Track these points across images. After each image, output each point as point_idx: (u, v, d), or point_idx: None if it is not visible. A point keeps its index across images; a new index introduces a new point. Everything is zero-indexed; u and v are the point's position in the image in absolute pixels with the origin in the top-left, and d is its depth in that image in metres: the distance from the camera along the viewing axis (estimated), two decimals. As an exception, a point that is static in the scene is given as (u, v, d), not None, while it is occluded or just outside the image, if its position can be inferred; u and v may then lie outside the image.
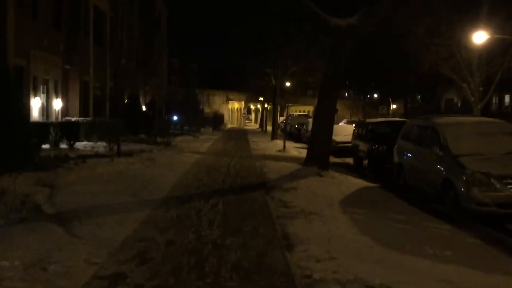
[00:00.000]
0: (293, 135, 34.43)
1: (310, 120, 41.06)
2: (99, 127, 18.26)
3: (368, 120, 17.14)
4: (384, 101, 67.71)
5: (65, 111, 19.44)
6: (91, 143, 17.55)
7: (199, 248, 5.36)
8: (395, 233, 6.66)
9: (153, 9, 35.99)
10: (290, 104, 28.87)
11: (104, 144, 16.47)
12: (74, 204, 7.46)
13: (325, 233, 6.25)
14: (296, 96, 50.56)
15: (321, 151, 12.38)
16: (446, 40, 24.57)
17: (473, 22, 22.93)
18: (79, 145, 17.14)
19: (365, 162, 16.89)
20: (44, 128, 15.17)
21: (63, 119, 18.81)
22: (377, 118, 17.61)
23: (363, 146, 16.44)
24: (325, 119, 12.38)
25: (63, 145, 15.82)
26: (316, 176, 11.76)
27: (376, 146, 14.99)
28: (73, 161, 12.24)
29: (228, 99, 66.62)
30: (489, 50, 23.95)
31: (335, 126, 25.74)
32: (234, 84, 57.64)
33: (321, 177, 11.73)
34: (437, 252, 5.68)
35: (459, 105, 53.48)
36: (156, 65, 36.19)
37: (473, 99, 26.25)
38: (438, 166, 9.58)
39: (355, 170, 15.70)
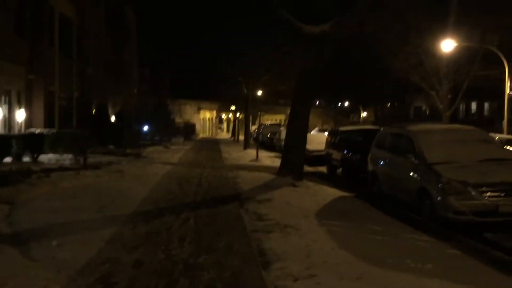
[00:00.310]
0: (265, 144, 34.23)
1: (282, 129, 41.11)
2: (65, 138, 17.58)
3: (341, 128, 17.04)
4: (354, 109, 68.47)
5: (29, 122, 18.66)
6: (56, 156, 16.87)
7: (169, 269, 4.98)
8: (374, 245, 6.43)
9: (121, 17, 35.32)
10: (261, 113, 28.58)
11: (70, 156, 15.87)
12: (33, 223, 6.96)
13: (303, 248, 5.97)
14: (268, 105, 50.54)
15: (295, 161, 12.14)
16: (415, 48, 24.94)
17: (441, 31, 23.34)
18: (44, 158, 16.45)
19: (339, 170, 16.79)
20: (5, 140, 14.47)
21: (27, 130, 18.05)
22: (349, 126, 17.55)
23: (336, 155, 16.32)
24: (298, 128, 12.16)
25: (26, 158, 15.14)
26: (290, 186, 11.51)
27: (350, 154, 14.88)
28: (36, 175, 11.65)
29: (199, 109, 66.08)
30: (456, 58, 24.41)
31: (308, 135, 25.77)
32: (205, 94, 57.28)
33: (296, 187, 11.48)
34: (419, 266, 5.46)
35: (427, 112, 54.62)
36: (126, 74, 35.45)
37: (441, 106, 26.69)
38: (413, 175, 9.47)
39: (329, 179, 15.53)
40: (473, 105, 47.69)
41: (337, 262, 5.38)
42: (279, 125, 54.06)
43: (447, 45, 22.74)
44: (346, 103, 68.15)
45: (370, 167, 12.33)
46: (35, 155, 15.24)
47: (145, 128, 38.37)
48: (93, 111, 26.81)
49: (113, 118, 31.65)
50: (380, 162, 11.61)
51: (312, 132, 32.70)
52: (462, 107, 45.23)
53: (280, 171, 12.29)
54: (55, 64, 20.22)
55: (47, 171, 12.71)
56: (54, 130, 18.40)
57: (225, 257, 5.42)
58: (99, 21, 28.87)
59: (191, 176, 13.80)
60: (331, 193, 11.51)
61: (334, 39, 12.04)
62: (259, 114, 28.01)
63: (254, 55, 25.35)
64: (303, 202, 9.69)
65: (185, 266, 5.08)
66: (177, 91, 63.03)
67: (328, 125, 57.81)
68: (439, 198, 8.41)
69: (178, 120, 53.87)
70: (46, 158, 16.35)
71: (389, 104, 61.61)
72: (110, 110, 32.56)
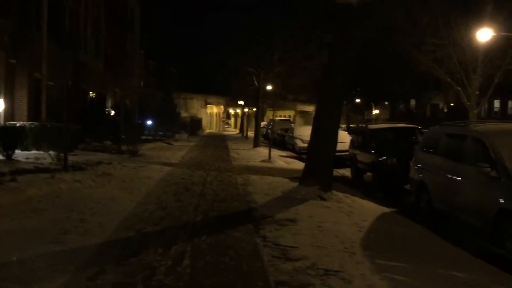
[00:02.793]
0: (276, 142, 31.76)
1: (294, 125, 38.61)
2: (50, 133, 15.22)
3: (370, 126, 14.52)
4: (367, 106, 65.59)
5: (10, 114, 16.33)
6: (39, 153, 14.56)
7: None
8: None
9: (124, 6, 32.98)
10: (274, 108, 25.99)
11: (54, 154, 13.56)
12: None
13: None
14: (280, 100, 47.75)
15: (323, 167, 9.65)
16: (441, 39, 22.55)
17: (473, 20, 21.00)
18: (23, 155, 14.17)
19: (366, 175, 14.40)
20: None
21: (7, 123, 15.74)
22: (380, 124, 14.97)
23: (364, 157, 13.84)
24: (327, 127, 9.64)
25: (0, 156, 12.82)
26: (317, 200, 9.07)
27: (384, 158, 12.38)
28: (-1, 179, 9.28)
29: (206, 103, 63.72)
30: (488, 51, 21.99)
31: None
32: (213, 88, 54.91)
33: (324, 201, 9.04)
34: None
35: (444, 110, 52.04)
36: (129, 65, 33.09)
37: (469, 103, 24.22)
38: (489, 191, 7.00)
39: (356, 186, 13.12)
40: (496, 103, 45.01)
41: None
42: (289, 121, 51.51)
43: (484, 35, 20.13)
44: (358, 100, 65.24)
45: (415, 175, 9.90)
46: (9, 152, 12.89)
47: (149, 122, 36.09)
48: (90, 104, 24.50)
49: (113, 112, 29.34)
50: (431, 170, 9.15)
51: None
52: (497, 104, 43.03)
53: (304, 179, 9.81)
54: (42, 50, 17.85)
55: (16, 173, 10.32)
56: (37, 123, 16.05)
57: None
58: (98, 8, 26.54)
59: (193, 182, 11.37)
60: (369, 208, 9.08)
61: (377, 13, 9.55)
62: (273, 109, 25.27)
63: (267, 41, 22.85)
64: (339, 224, 7.26)
65: None
66: (183, 84, 60.70)
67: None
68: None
69: (184, 114, 51.57)
70: (25, 155, 14.05)
71: (402, 102, 58.89)
72: (109, 103, 30.26)
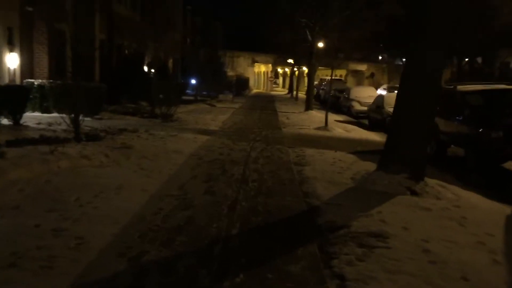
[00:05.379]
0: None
1: (349, 86, 35.22)
2: (77, 94, 13.12)
3: (460, 88, 11.33)
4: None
5: (28, 71, 14.32)
6: (60, 116, 12.49)
7: None
8: None
9: None
10: (329, 67, 22.70)
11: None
12: None
13: None
14: (326, 58, 43.76)
15: (414, 147, 6.81)
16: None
17: None
18: (39, 118, 12.28)
19: (450, 149, 11.47)
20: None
21: (24, 81, 13.77)
22: (471, 85, 11.57)
23: (451, 127, 10.79)
24: (422, 94, 6.73)
25: (5, 120, 10.78)
26: (407, 194, 6.34)
27: (485, 130, 9.33)
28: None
29: (254, 62, 60.79)
30: None
31: (386, 95, 20.01)
32: (261, 45, 51.69)
33: (417, 197, 6.30)
34: None
35: (517, 69, 46.65)
36: (170, 17, 30.52)
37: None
38: None
39: (438, 163, 10.21)
40: None
41: None
42: (341, 80, 47.78)
43: None
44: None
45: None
46: (17, 116, 10.82)
47: (193, 81, 33.94)
48: (124, 60, 22.30)
49: (152, 70, 27.15)
50: None
51: (380, 92, 26.71)
52: None
53: (385, 162, 7.00)
54: (65, -5, 15.52)
55: (14, 143, 8.22)
56: (58, 82, 13.95)
57: None
58: None
59: (232, 159, 8.84)
60: (482, 208, 6.22)
61: None
62: (331, 68, 21.92)
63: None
64: (455, 244, 4.53)
65: None
66: (230, 42, 57.82)
67: (395, 82, 50.49)
68: None
69: (230, 73, 49.08)
70: (40, 119, 12.07)
71: (466, 60, 53.41)
72: (148, 60, 28.05)
